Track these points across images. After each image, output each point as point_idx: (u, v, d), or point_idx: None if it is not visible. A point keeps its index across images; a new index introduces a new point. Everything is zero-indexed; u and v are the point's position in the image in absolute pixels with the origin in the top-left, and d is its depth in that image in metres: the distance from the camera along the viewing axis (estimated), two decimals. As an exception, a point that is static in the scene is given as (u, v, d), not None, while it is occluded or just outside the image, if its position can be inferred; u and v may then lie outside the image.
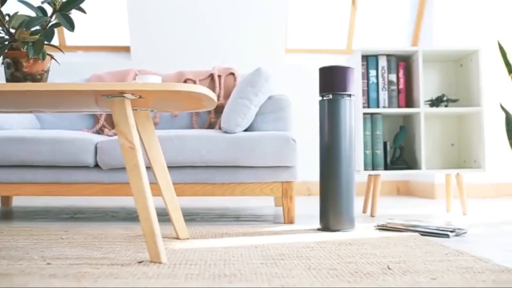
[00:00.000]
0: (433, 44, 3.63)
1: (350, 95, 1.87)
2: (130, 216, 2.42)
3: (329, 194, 1.84)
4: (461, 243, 1.59)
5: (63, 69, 3.65)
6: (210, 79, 2.69)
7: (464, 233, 1.79)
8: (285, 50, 3.85)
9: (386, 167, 2.44)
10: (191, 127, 2.61)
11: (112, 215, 2.45)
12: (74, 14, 3.85)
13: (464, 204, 2.44)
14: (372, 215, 2.37)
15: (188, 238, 1.64)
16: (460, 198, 2.45)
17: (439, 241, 1.59)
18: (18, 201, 3.35)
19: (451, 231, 1.73)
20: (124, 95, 1.29)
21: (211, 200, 3.52)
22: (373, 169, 2.40)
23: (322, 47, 3.95)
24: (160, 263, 1.24)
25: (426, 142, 2.61)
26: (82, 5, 3.86)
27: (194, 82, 2.68)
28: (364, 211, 2.55)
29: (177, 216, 1.63)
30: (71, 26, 1.37)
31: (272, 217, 2.37)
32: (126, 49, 3.79)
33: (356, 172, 2.43)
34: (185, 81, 2.69)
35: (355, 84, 2.49)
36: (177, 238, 1.64)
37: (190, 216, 2.40)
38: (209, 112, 2.62)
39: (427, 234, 1.74)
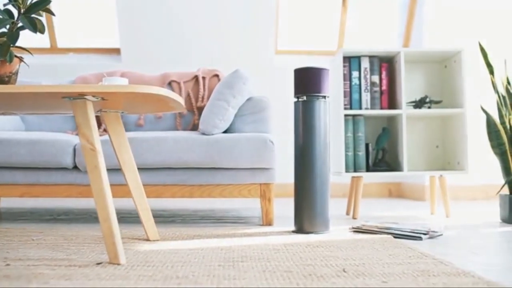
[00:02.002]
0: (423, 44, 3.61)
1: (324, 97, 1.86)
2: (112, 217, 2.42)
3: (304, 196, 1.83)
4: (431, 246, 1.58)
5: (54, 71, 3.67)
6: (195, 81, 2.69)
7: (439, 235, 1.78)
8: (276, 52, 3.85)
9: (368, 169, 2.43)
10: (175, 128, 2.62)
11: (95, 216, 2.46)
12: (65, 17, 3.87)
13: (448, 206, 2.42)
14: (354, 217, 2.36)
15: (158, 240, 1.64)
16: (443, 200, 2.44)
17: (408, 244, 1.58)
18: (6, 203, 3.37)
19: (424, 234, 1.72)
20: (85, 97, 1.30)
21: (200, 201, 3.52)
22: (355, 171, 2.39)
23: (313, 49, 3.94)
24: (118, 264, 1.24)
25: (411, 144, 2.60)
26: (76, 9, 3.88)
27: (179, 83, 2.68)
28: (348, 213, 2.54)
29: (147, 218, 1.64)
30: (34, 28, 1.38)
31: (257, 219, 2.37)
32: (117, 51, 3.81)
33: (338, 173, 2.42)
34: (169, 83, 2.70)
35: (337, 86, 2.48)
36: (147, 239, 1.64)
37: (172, 218, 2.40)
38: (193, 113, 2.62)
39: (400, 237, 1.73)
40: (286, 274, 1.13)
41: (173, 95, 1.35)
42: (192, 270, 1.17)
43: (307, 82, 1.84)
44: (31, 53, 1.44)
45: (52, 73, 3.66)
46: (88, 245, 1.53)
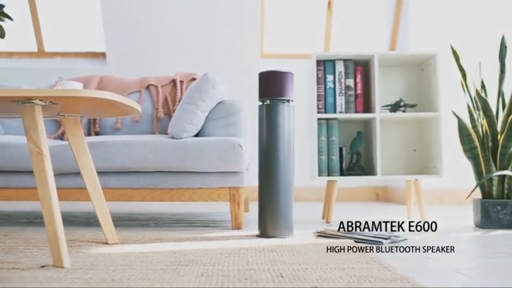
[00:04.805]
0: (408, 48, 3.60)
1: (289, 100, 1.86)
2: (88, 220, 2.43)
3: (267, 200, 1.83)
4: (389, 251, 1.56)
5: (41, 75, 3.70)
6: (173, 85, 2.70)
7: (402, 240, 1.76)
8: (261, 55, 3.86)
9: (342, 173, 2.42)
10: (152, 132, 2.63)
11: (70, 219, 2.47)
12: (52, 22, 3.91)
13: (422, 210, 2.41)
14: (327, 221, 2.35)
15: (116, 243, 1.65)
16: (418, 204, 2.42)
17: (365, 249, 1.57)
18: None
19: (386, 238, 1.71)
20: (33, 101, 1.31)
21: (183, 205, 3.53)
22: (328, 175, 2.39)
23: (299, 52, 3.94)
24: (62, 267, 1.24)
25: (388, 148, 2.58)
26: (62, 14, 3.92)
27: (156, 87, 2.69)
28: (323, 218, 2.53)
29: (106, 221, 1.64)
30: (-15, 33, 1.39)
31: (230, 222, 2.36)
32: (102, 55, 3.84)
33: (312, 178, 2.42)
34: (147, 87, 2.71)
35: (311, 90, 2.47)
36: (106, 243, 1.65)
37: (146, 222, 2.41)
38: (170, 117, 2.63)
39: (361, 241, 1.72)
40: (222, 278, 1.13)
41: (122, 99, 1.36)
42: (132, 273, 1.18)
43: (271, 86, 1.85)
44: (-12, 58, 1.45)
45: (38, 77, 3.70)
46: (44, 248, 1.54)
